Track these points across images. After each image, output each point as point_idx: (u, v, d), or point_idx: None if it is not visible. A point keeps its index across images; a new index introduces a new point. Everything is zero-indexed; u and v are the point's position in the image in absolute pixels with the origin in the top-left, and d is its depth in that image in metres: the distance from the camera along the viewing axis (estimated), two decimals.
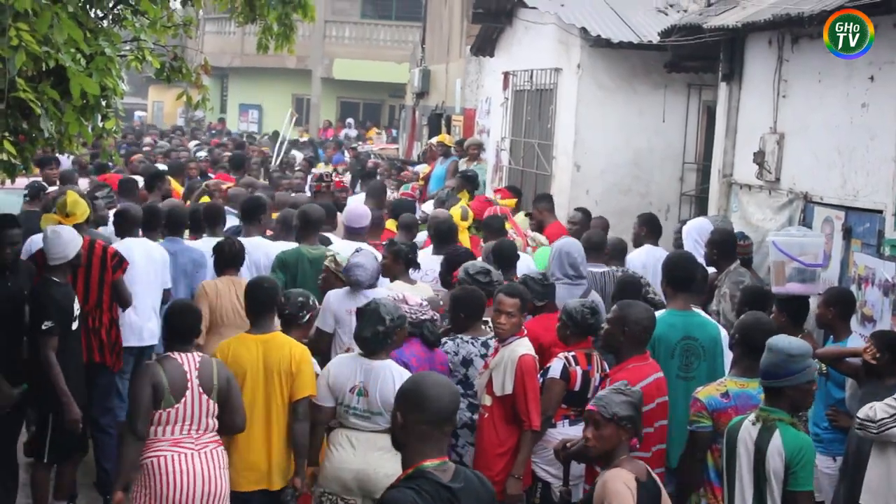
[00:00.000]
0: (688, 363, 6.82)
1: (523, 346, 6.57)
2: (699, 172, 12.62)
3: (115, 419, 7.86)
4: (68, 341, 7.03)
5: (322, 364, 6.64)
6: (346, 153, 24.71)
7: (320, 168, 17.42)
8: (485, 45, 16.87)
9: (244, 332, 6.39)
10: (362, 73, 35.79)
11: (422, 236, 9.73)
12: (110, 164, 13.00)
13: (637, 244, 9.69)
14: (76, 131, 5.78)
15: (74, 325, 7.16)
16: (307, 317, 6.56)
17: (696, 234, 9.06)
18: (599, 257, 8.78)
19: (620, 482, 4.63)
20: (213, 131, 33.06)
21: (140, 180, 12.43)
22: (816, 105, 8.84)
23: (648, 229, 9.77)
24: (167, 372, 5.80)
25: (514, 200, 12.20)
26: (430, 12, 23.95)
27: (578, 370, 6.58)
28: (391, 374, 5.92)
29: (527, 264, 8.77)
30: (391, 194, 13.45)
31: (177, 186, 12.55)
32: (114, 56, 5.80)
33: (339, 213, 9.83)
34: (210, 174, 14.82)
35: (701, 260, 8.24)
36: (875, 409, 5.63)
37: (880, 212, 7.80)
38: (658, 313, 6.48)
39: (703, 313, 7.27)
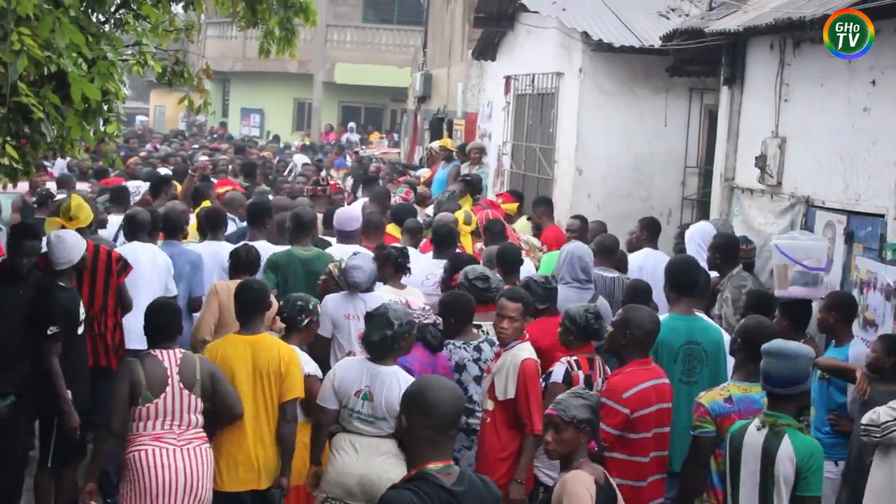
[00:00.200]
0: (690, 367, 6.81)
1: (525, 351, 6.57)
2: (701, 176, 12.62)
3: None
4: (74, 345, 7.04)
5: (322, 368, 6.65)
6: (348, 157, 24.73)
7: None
8: (486, 49, 16.88)
9: (233, 333, 6.46)
10: (364, 78, 35.82)
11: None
12: (111, 168, 13.01)
13: (637, 248, 9.69)
14: (78, 135, 5.78)
15: (80, 330, 7.16)
16: (306, 321, 6.57)
17: (698, 239, 9.06)
18: (610, 262, 8.78)
19: (581, 484, 4.73)
20: (215, 135, 33.11)
21: (136, 185, 12.49)
22: (818, 109, 8.84)
23: (649, 233, 9.78)
24: (146, 369, 5.90)
25: (516, 204, 12.21)
26: (432, 16, 23.96)
27: (581, 374, 6.57)
28: (397, 381, 5.91)
29: (528, 269, 8.76)
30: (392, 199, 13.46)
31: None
32: (116, 60, 5.80)
33: None
34: (212, 178, 14.83)
35: (704, 264, 8.23)
36: (879, 413, 5.61)
37: (882, 216, 7.80)
38: (661, 317, 6.47)
39: (705, 317, 7.27)
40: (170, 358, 5.98)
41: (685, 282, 7.10)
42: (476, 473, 3.91)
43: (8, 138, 5.51)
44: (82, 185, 13.25)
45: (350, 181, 18.00)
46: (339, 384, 6.06)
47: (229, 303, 7.47)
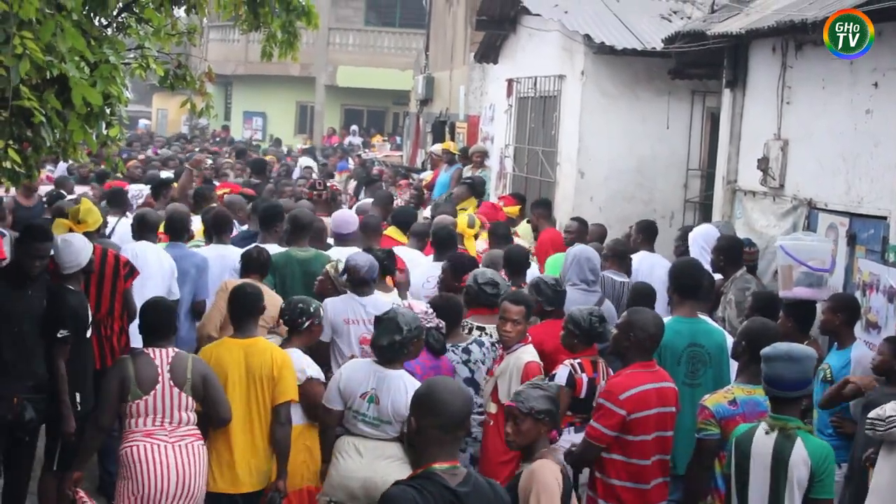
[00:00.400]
0: (694, 370, 6.81)
1: (528, 354, 6.57)
2: (703, 179, 12.62)
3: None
4: (82, 348, 7.07)
5: (324, 372, 6.67)
6: (351, 160, 24.74)
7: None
8: (488, 52, 16.88)
9: (227, 337, 6.54)
10: (366, 81, 35.80)
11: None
12: (113, 171, 13.02)
13: (633, 251, 9.68)
14: (80, 139, 5.78)
15: (88, 333, 7.19)
16: (307, 324, 6.58)
17: (702, 241, 9.07)
18: (622, 266, 8.79)
19: (550, 474, 4.86)
20: (217, 139, 33.11)
21: (138, 189, 12.54)
22: (820, 111, 8.83)
23: (645, 236, 9.83)
24: (136, 366, 6.03)
25: (518, 207, 12.21)
26: (434, 19, 23.96)
27: (584, 377, 6.57)
28: (404, 385, 5.91)
29: (533, 271, 8.78)
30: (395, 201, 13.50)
31: None
32: (118, 64, 5.80)
33: None
34: (214, 181, 14.87)
35: (707, 267, 8.23)
36: (885, 409, 5.59)
37: (885, 218, 7.79)
38: (664, 320, 6.47)
39: (709, 320, 7.27)
40: (162, 356, 6.08)
41: (689, 284, 7.10)
42: (484, 477, 3.93)
43: (10, 142, 5.51)
44: (81, 189, 13.26)
45: (353, 184, 18.03)
46: (345, 385, 6.06)
47: None
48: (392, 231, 10.12)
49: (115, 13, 6.83)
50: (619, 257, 8.81)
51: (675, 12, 13.40)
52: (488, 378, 6.78)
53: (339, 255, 8.03)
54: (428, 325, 6.60)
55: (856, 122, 8.26)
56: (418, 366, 6.41)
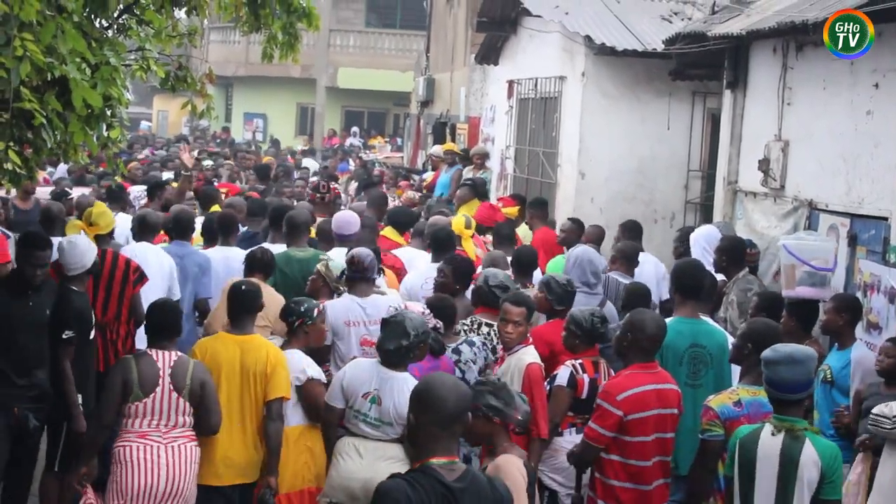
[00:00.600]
0: (696, 371, 6.81)
1: (529, 355, 6.57)
2: (704, 180, 12.62)
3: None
4: (85, 349, 7.11)
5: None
6: (351, 162, 24.73)
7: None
8: (489, 54, 16.88)
9: (223, 332, 6.61)
10: (367, 82, 35.80)
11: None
12: (114, 173, 13.05)
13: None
14: (81, 141, 5.78)
15: (91, 335, 7.22)
16: (297, 323, 6.60)
17: (703, 242, 9.08)
18: (630, 268, 8.80)
19: (514, 468, 4.97)
20: (218, 140, 33.09)
21: (140, 190, 12.59)
22: (821, 112, 8.84)
23: (630, 236, 9.91)
24: (139, 367, 6.08)
25: (517, 208, 12.20)
26: (435, 21, 23.97)
27: (585, 378, 6.57)
28: (407, 387, 5.87)
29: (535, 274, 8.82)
30: (393, 202, 13.54)
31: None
32: (119, 66, 5.79)
33: None
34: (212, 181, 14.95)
35: (709, 267, 8.24)
36: (891, 407, 5.58)
37: (885, 219, 7.80)
38: (666, 321, 6.47)
39: (710, 321, 7.27)
40: (164, 359, 6.12)
41: (691, 285, 7.10)
42: (486, 474, 3.95)
43: (11, 144, 5.51)
44: (79, 190, 13.27)
45: (353, 186, 18.04)
46: (349, 384, 6.07)
47: None
48: (388, 231, 10.14)
49: (115, 15, 6.82)
50: (627, 259, 8.84)
51: (675, 13, 13.40)
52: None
53: (340, 257, 8.04)
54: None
55: (856, 123, 8.26)
56: (416, 368, 6.40)
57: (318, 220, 9.63)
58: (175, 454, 6.05)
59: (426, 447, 3.80)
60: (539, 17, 13.73)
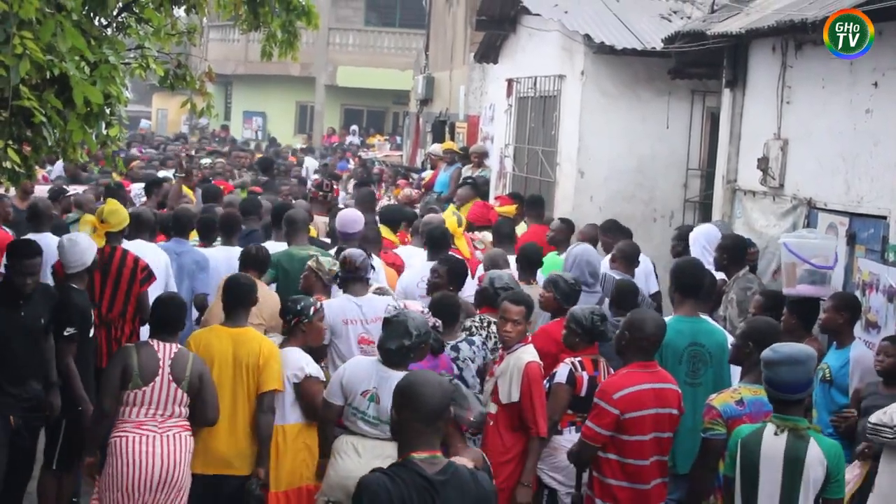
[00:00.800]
0: (695, 370, 6.81)
1: (528, 354, 6.57)
2: (703, 179, 12.61)
3: None
4: (84, 346, 7.14)
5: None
6: (351, 160, 24.73)
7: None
8: (488, 52, 16.87)
9: (217, 325, 6.66)
10: (366, 81, 35.82)
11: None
12: (113, 170, 13.08)
13: (608, 250, 9.68)
14: (80, 139, 5.79)
15: (91, 332, 7.26)
16: (293, 321, 6.62)
17: (703, 241, 9.09)
18: (629, 268, 8.81)
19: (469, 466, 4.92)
20: (217, 138, 33.10)
21: (140, 187, 12.63)
22: (820, 111, 8.83)
23: (613, 234, 9.87)
24: (140, 356, 6.14)
25: (514, 207, 12.20)
26: (434, 19, 23.97)
27: (585, 376, 6.58)
28: None
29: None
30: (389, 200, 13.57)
31: (188, 191, 12.63)
32: (118, 64, 5.80)
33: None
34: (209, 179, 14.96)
35: (708, 266, 8.24)
36: (890, 415, 5.57)
37: (884, 217, 7.79)
38: (666, 319, 6.47)
39: (710, 320, 7.28)
40: (165, 350, 6.20)
41: (690, 284, 7.11)
42: (467, 468, 3.97)
43: (10, 142, 5.51)
44: (75, 188, 13.27)
45: (353, 184, 18.05)
46: (348, 381, 6.07)
47: None
48: (381, 230, 10.11)
49: (114, 13, 6.83)
50: (627, 259, 8.83)
51: (674, 12, 13.38)
52: (489, 378, 6.78)
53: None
54: None
55: (855, 122, 8.26)
56: (414, 367, 6.40)
57: (316, 218, 9.65)
58: (170, 444, 6.10)
59: (409, 442, 3.84)
60: (538, 15, 13.71)
